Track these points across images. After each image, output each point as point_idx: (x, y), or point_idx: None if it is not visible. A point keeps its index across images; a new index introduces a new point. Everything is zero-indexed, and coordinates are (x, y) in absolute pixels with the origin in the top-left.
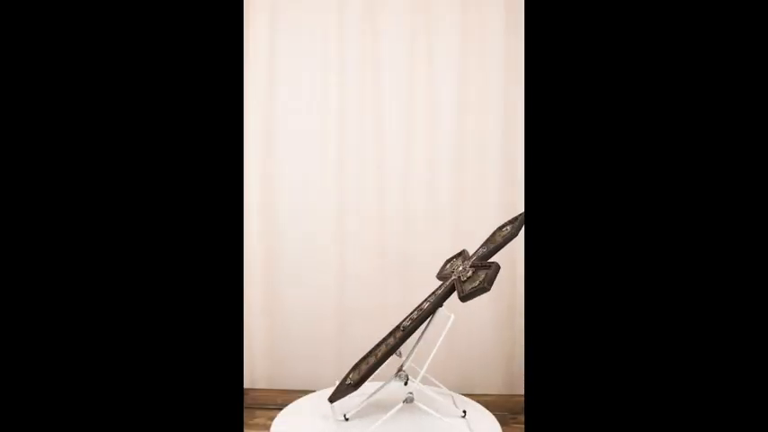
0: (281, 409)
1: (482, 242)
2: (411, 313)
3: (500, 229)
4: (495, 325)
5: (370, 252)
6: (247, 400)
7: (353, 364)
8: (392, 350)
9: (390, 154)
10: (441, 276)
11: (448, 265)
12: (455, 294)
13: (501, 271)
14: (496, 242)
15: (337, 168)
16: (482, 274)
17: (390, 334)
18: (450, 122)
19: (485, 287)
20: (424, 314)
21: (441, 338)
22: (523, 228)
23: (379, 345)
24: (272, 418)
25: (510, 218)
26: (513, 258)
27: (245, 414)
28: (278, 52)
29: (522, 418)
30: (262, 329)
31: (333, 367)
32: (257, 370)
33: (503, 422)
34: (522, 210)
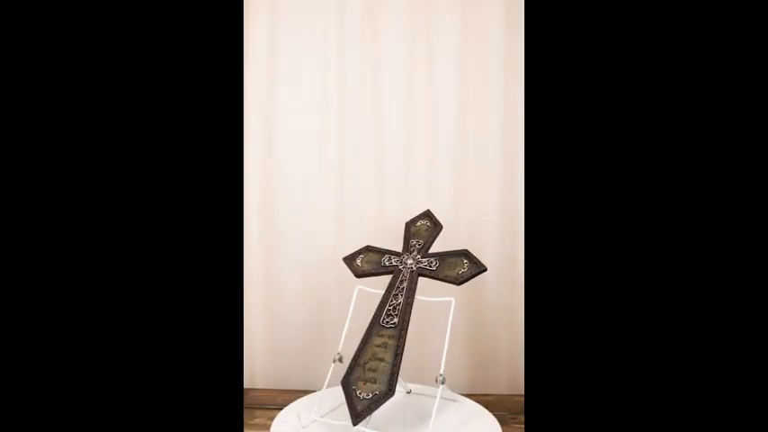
0: (281, 409)
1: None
2: (386, 310)
3: (413, 223)
4: (495, 325)
5: None
6: (247, 400)
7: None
8: (401, 350)
9: (390, 154)
10: (363, 273)
11: (359, 261)
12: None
13: (500, 271)
14: (422, 236)
15: (337, 168)
16: (462, 261)
17: (373, 335)
18: (450, 122)
19: (484, 268)
20: (409, 308)
21: (449, 326)
22: (524, 227)
23: (363, 348)
24: (272, 418)
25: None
26: (512, 258)
27: (245, 414)
28: (278, 52)
29: (522, 418)
30: (262, 329)
31: (333, 368)
32: (257, 370)
33: (503, 422)
34: (521, 210)
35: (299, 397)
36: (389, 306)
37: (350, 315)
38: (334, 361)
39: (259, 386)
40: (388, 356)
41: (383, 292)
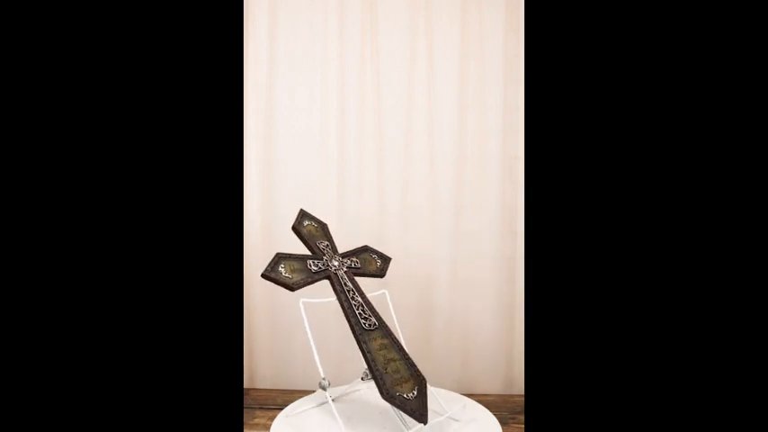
0: (281, 409)
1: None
2: (356, 313)
3: (300, 225)
4: (494, 325)
5: None
6: (247, 400)
7: (378, 382)
8: (399, 343)
9: (390, 153)
10: (298, 284)
11: (282, 269)
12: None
13: (500, 271)
14: (319, 236)
15: (337, 168)
16: (372, 255)
17: (366, 341)
18: (450, 122)
19: (390, 258)
20: (371, 304)
21: (394, 315)
22: (524, 227)
23: (373, 358)
24: (272, 418)
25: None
26: (512, 257)
27: (245, 414)
28: (277, 52)
29: (522, 417)
30: (262, 329)
31: (334, 367)
32: (258, 370)
33: (503, 422)
34: (521, 210)
35: (299, 397)
36: (357, 310)
37: (309, 332)
38: (324, 388)
39: (259, 386)
40: (396, 354)
41: (325, 300)
